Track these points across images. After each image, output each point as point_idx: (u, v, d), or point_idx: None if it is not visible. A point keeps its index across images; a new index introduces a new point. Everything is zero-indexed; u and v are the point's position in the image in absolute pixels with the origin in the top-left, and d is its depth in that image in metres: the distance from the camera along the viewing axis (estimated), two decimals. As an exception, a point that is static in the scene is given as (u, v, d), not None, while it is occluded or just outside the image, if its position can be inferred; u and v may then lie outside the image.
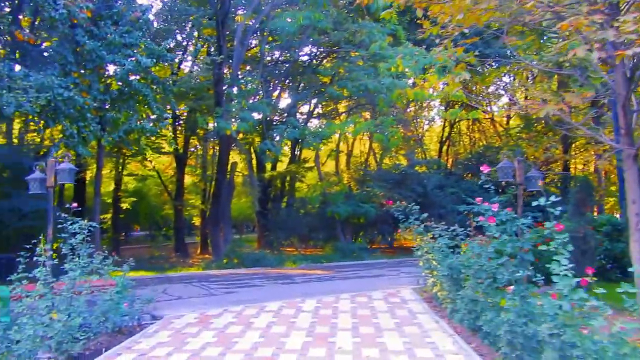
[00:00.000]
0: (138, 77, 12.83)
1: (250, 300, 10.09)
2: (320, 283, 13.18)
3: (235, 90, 17.98)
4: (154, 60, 12.18)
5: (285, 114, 22.86)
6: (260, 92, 18.82)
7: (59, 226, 6.67)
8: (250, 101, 17.67)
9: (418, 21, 8.76)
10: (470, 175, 28.74)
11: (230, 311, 8.78)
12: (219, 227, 20.01)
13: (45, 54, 11.64)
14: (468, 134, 37.29)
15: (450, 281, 7.17)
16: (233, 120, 16.09)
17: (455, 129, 35.82)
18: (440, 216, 24.45)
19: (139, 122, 12.49)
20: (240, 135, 26.81)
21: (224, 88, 19.10)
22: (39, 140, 17.66)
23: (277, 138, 19.94)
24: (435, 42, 17.42)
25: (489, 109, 34.72)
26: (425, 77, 18.49)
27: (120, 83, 12.49)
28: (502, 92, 34.13)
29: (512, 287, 5.16)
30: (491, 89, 34.43)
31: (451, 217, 23.63)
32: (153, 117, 14.60)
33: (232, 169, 21.53)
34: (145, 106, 13.44)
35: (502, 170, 7.11)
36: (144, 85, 12.65)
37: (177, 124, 25.95)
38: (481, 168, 6.88)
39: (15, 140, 17.18)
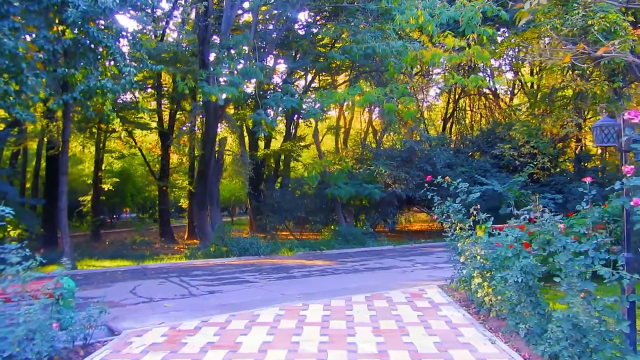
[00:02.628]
0: (101, 25, 10.46)
1: (238, 305, 7.93)
2: (323, 278, 11.04)
3: (224, 56, 15.64)
4: (117, 2, 9.82)
5: (280, 86, 20.56)
6: (252, 59, 16.45)
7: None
8: (241, 66, 15.36)
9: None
10: (479, 153, 26.64)
11: (212, 324, 6.62)
12: (206, 209, 17.80)
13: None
14: (474, 110, 35.13)
15: (523, 291, 5.03)
16: (220, 84, 13.79)
17: (459, 105, 33.65)
18: (452, 197, 22.32)
19: (99, 82, 10.14)
20: (231, 110, 24.54)
21: (211, 53, 16.80)
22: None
23: (272, 113, 17.67)
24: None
25: (491, 84, 32.38)
26: (440, 39, 16.31)
27: (75, 30, 10.12)
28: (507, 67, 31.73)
29: None
30: (495, 64, 32.07)
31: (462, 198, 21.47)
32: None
33: (221, 145, 19.26)
34: (111, 63, 11.13)
35: (601, 131, 4.88)
36: (107, 35, 10.28)
37: (162, 98, 23.62)
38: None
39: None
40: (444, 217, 7.44)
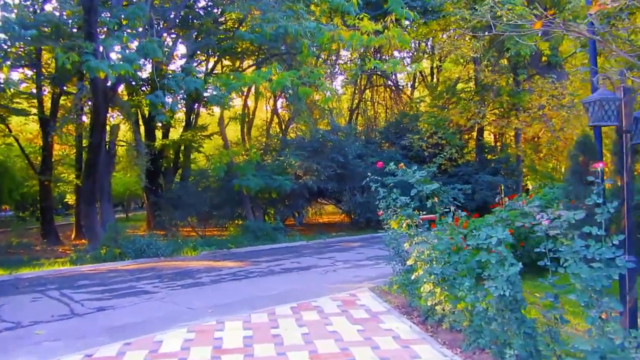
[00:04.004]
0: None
1: (134, 327, 6.35)
2: (236, 283, 9.61)
3: (116, 26, 13.56)
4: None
5: (181, 69, 18.62)
6: (149, 35, 14.46)
7: None
8: (136, 43, 13.38)
9: None
10: (387, 144, 26.32)
11: (98, 359, 5.03)
12: (95, 206, 15.62)
13: None
14: (377, 102, 35.06)
15: (508, 306, 4.02)
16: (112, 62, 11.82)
17: (364, 97, 33.34)
18: (362, 189, 21.72)
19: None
20: (126, 97, 22.15)
21: (100, 30, 14.65)
22: None
23: (170, 100, 15.83)
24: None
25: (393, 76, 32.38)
26: (355, 22, 15.38)
27: None
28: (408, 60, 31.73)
29: None
30: (398, 55, 31.98)
31: (374, 190, 20.84)
32: None
33: (113, 133, 17.06)
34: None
35: (600, 107, 3.95)
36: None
37: (42, 81, 20.68)
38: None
39: None
40: (389, 212, 6.35)
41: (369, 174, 6.57)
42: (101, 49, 12.76)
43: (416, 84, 34.73)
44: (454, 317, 5.51)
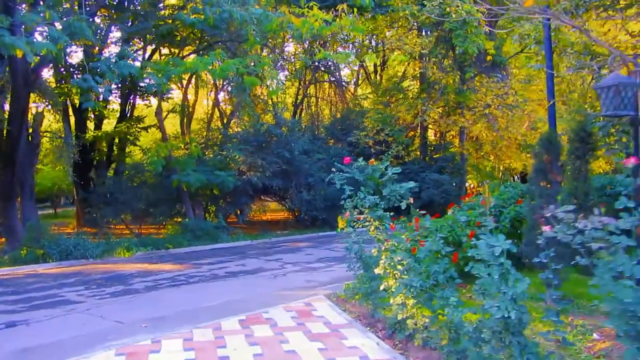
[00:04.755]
0: None
1: (51, 348, 5.30)
2: (175, 291, 8.59)
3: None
4: None
5: (114, 55, 17.16)
6: (77, 14, 13.06)
7: None
8: (62, 22, 12.00)
9: None
10: (333, 140, 25.71)
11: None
12: (15, 202, 14.08)
13: None
14: (322, 98, 34.40)
15: (509, 329, 3.34)
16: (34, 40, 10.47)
17: (309, 92, 32.57)
18: (308, 186, 20.99)
19: None
20: (53, 83, 20.37)
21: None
22: None
23: (102, 89, 14.50)
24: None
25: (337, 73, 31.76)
26: (304, 11, 14.60)
27: None
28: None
29: None
30: (342, 51, 31.29)
31: (320, 187, 20.24)
32: None
33: (36, 121, 15.49)
34: None
35: (617, 92, 3.34)
36: None
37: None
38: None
39: None
40: (355, 213, 5.59)
41: (332, 170, 5.78)
42: (23, 26, 11.37)
43: (360, 81, 34.30)
44: (428, 333, 4.84)
